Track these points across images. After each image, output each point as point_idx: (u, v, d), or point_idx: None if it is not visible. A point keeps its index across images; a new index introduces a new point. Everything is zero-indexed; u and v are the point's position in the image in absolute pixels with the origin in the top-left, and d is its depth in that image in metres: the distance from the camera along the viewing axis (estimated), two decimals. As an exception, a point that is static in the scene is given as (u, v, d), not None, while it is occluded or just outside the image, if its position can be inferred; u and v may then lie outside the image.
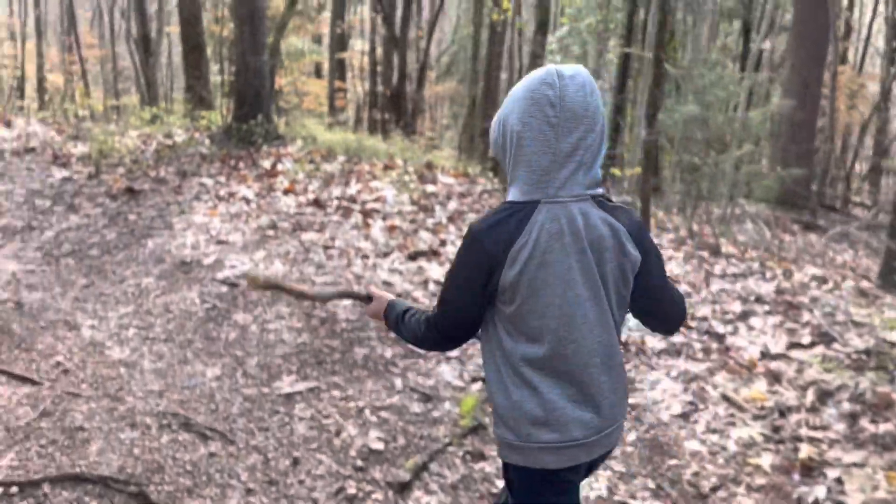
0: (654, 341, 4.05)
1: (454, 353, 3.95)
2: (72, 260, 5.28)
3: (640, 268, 1.63)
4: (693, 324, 4.26)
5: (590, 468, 1.78)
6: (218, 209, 6.25)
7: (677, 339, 4.07)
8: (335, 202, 6.57)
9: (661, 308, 1.73)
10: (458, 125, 30.26)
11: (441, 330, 1.72)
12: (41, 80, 22.16)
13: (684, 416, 3.38)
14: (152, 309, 4.49)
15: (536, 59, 7.17)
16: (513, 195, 1.60)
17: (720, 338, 4.10)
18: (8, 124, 9.26)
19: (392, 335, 4.17)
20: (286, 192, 6.83)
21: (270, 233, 5.75)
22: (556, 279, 1.55)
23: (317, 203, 6.49)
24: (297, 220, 6.04)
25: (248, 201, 6.53)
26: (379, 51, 20.31)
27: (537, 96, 1.55)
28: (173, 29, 14.80)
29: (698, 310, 4.45)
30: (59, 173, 7.11)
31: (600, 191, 1.61)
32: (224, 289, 4.78)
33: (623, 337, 4.07)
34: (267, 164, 7.72)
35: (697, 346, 4.01)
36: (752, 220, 11.40)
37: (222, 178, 7.12)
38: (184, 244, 5.50)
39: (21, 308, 4.42)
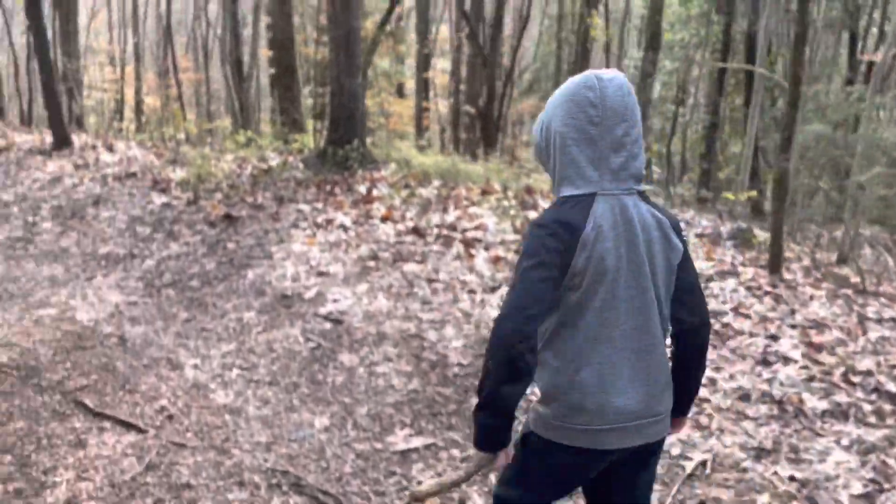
0: (814, 400, 3.53)
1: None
2: (172, 291, 5.16)
3: (680, 260, 1.71)
4: (856, 379, 3.71)
5: (638, 464, 1.76)
6: (316, 238, 6.06)
7: (842, 398, 3.53)
8: (434, 230, 6.29)
9: (692, 299, 1.76)
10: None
11: (517, 308, 1.57)
12: (139, 103, 23.08)
13: (867, 498, 2.87)
14: (255, 347, 4.28)
15: (647, 78, 6.72)
16: (568, 191, 1.66)
17: (893, 398, 3.54)
18: (110, 148, 9.45)
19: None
20: (384, 219, 6.59)
21: (371, 264, 5.50)
22: (609, 267, 1.60)
23: (416, 231, 6.22)
24: (397, 250, 5.78)
25: (345, 229, 6.32)
26: (460, 69, 20.18)
27: (579, 98, 1.63)
28: (265, 52, 15.04)
29: (859, 362, 3.89)
30: (158, 199, 7.11)
31: (643, 186, 1.69)
32: (327, 325, 4.54)
33: (777, 394, 3.58)
34: (362, 189, 7.53)
35: (867, 407, 3.47)
36: (869, 244, 10.50)
37: (319, 205, 6.96)
38: (284, 275, 5.32)
39: (124, 344, 4.29)
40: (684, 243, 1.72)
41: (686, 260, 1.73)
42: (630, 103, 1.64)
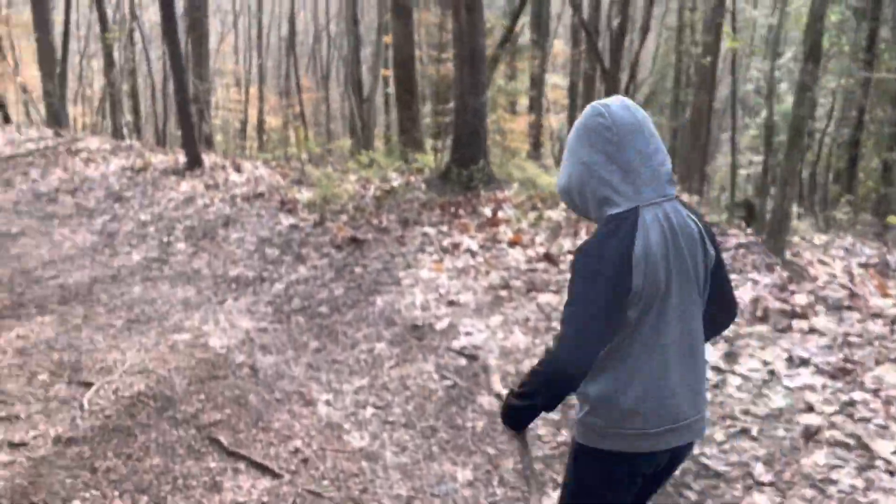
0: None
1: (767, 475, 3.06)
2: (302, 318, 5.03)
3: (714, 262, 1.77)
4: None
5: (671, 465, 1.83)
6: (444, 263, 5.81)
7: None
8: (567, 257, 5.90)
9: (725, 298, 1.85)
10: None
11: (578, 345, 1.64)
12: (261, 123, 24.01)
13: None
14: (388, 383, 4.04)
15: (805, 92, 6.06)
16: (610, 211, 1.69)
17: None
18: (238, 168, 9.66)
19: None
20: (512, 243, 6.27)
21: (503, 293, 5.19)
22: (661, 278, 1.65)
23: (548, 258, 5.85)
24: (529, 279, 5.43)
25: (473, 254, 6.04)
26: (577, 84, 19.64)
27: (593, 126, 1.72)
28: (385, 72, 15.18)
29: None
30: (286, 220, 7.11)
31: (674, 191, 1.74)
32: (462, 361, 4.25)
33: None
34: (487, 211, 7.25)
35: None
36: None
37: (444, 228, 6.72)
38: (413, 304, 5.08)
39: (256, 374, 4.16)
40: (717, 249, 1.78)
41: (719, 263, 1.80)
42: (640, 116, 1.71)
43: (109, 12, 17.81)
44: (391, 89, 19.62)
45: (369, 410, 3.75)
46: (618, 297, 1.62)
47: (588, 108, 1.77)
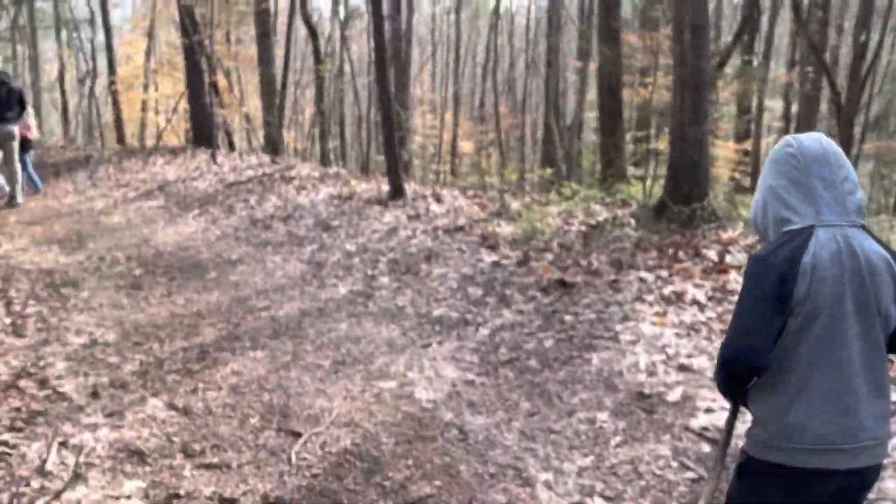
0: None
1: None
2: (510, 371, 4.62)
3: None
4: None
5: (855, 492, 1.80)
6: (667, 317, 5.14)
7: None
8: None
9: None
10: (878, 189, 25.42)
11: (736, 340, 1.74)
12: (454, 147, 24.39)
13: None
14: (616, 467, 3.48)
15: None
16: (787, 228, 1.78)
17: None
18: (438, 199, 9.57)
19: None
20: (746, 296, 5.43)
21: (745, 359, 4.42)
22: (830, 292, 1.68)
23: (795, 317, 4.97)
24: (775, 343, 4.61)
25: (701, 307, 5.31)
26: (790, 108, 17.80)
27: (781, 156, 1.84)
28: (592, 97, 14.68)
29: None
30: (488, 257, 6.79)
31: (863, 221, 1.79)
32: (705, 447, 3.58)
33: None
34: (712, 254, 6.44)
35: None
36: None
37: (663, 273, 6.03)
38: (636, 365, 4.48)
39: (466, 439, 3.78)
40: None
41: None
42: (829, 148, 1.79)
43: (322, 44, 18.95)
44: (585, 114, 19.05)
45: (597, 501, 3.22)
46: (778, 301, 1.69)
47: (781, 141, 1.89)
